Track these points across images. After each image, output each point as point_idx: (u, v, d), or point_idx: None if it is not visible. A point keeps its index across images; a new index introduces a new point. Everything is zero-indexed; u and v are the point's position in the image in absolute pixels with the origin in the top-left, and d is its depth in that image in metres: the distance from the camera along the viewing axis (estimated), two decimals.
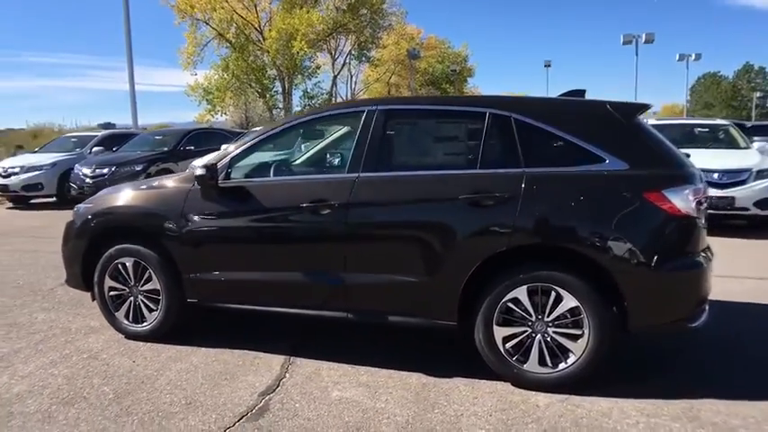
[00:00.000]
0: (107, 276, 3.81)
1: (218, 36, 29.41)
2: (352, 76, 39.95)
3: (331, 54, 35.77)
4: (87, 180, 10.58)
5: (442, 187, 3.06)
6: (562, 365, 2.93)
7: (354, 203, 3.16)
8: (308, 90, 33.00)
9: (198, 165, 3.54)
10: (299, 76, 32.00)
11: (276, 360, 3.47)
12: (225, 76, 29.70)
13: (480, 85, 47.99)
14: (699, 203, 2.87)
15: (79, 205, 4.04)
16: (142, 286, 3.74)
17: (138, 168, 10.69)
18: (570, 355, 2.91)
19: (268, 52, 29.30)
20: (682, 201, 2.79)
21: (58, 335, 3.97)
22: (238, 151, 3.56)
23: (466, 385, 3.07)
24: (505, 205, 2.91)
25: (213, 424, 2.73)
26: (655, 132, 3.12)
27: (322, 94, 33.97)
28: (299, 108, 33.19)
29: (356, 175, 3.22)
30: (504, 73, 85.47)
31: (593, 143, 2.93)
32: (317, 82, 33.12)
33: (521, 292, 2.93)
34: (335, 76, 36.25)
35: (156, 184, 3.88)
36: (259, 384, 3.15)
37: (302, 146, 4.80)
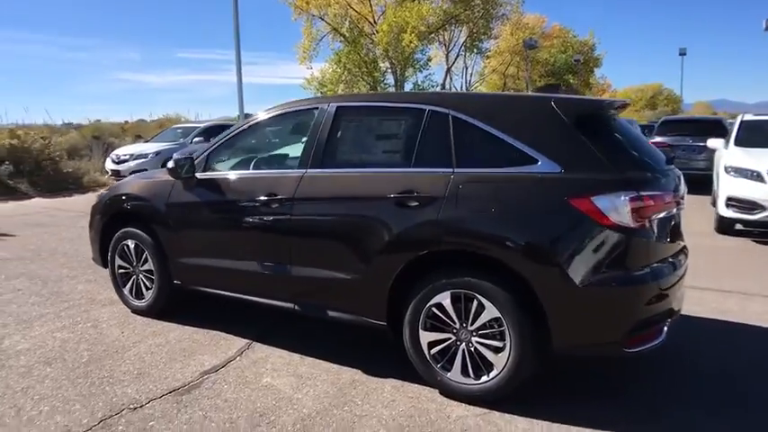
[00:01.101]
0: (117, 255, 4.27)
1: (333, 31, 30.58)
2: (467, 68, 39.42)
3: (446, 46, 35.56)
4: None
5: (374, 185, 3.01)
6: (484, 378, 2.77)
7: (299, 199, 3.24)
8: (419, 83, 33.20)
9: (174, 157, 3.83)
10: (411, 69, 32.32)
11: (239, 343, 3.67)
12: (337, 69, 30.85)
13: (609, 75, 44.83)
14: (642, 212, 2.52)
15: (102, 190, 4.54)
16: (141, 266, 4.14)
17: None
18: (493, 367, 2.74)
19: (379, 45, 29.91)
20: (613, 209, 2.48)
21: (83, 304, 4.53)
22: (215, 146, 3.80)
23: (394, 387, 3.03)
24: (429, 207, 2.80)
25: (145, 394, 2.99)
26: (615, 133, 2.81)
27: (433, 87, 33.99)
28: None
29: (304, 171, 3.29)
30: (636, 62, 78.53)
31: (528, 143, 2.70)
32: (429, 74, 33.17)
33: (444, 298, 2.81)
34: (449, 69, 36.03)
35: (156, 174, 4.25)
36: (208, 364, 3.37)
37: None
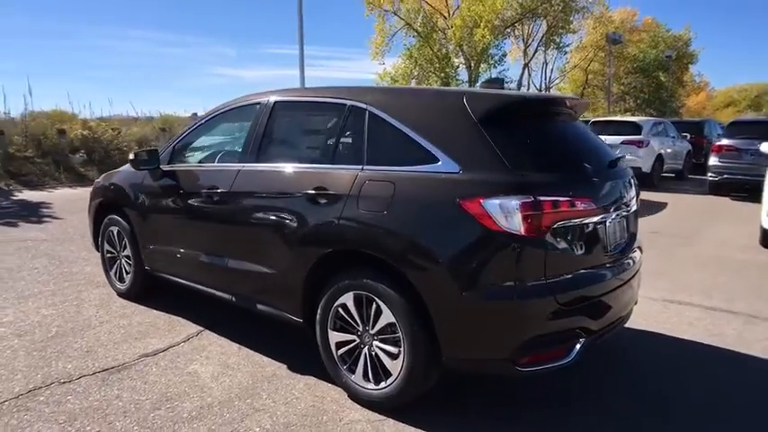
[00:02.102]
0: (105, 240, 4.56)
1: (406, 26, 30.57)
2: (546, 64, 37.97)
3: (524, 41, 34.47)
4: None
5: (294, 181, 3.01)
6: (383, 384, 2.69)
7: (233, 193, 3.30)
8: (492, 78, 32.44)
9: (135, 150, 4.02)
10: (485, 65, 31.69)
11: (191, 330, 3.81)
12: (408, 64, 30.86)
13: (706, 73, 41.38)
14: (539, 219, 2.30)
15: (98, 179, 4.86)
16: (123, 251, 4.40)
17: None
18: (390, 374, 2.66)
19: (452, 40, 29.58)
20: (503, 214, 2.29)
21: (80, 285, 4.87)
22: (179, 139, 3.95)
23: (307, 385, 3.02)
24: (335, 205, 2.76)
25: (80, 370, 3.18)
26: (530, 132, 2.62)
27: (508, 83, 33.08)
28: None
29: (241, 165, 3.35)
30: (739, 59, 71.56)
31: (433, 141, 2.57)
32: (503, 70, 32.34)
33: (348, 299, 2.76)
34: (526, 64, 34.90)
35: None
36: (152, 348, 3.52)
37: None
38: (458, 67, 31.68)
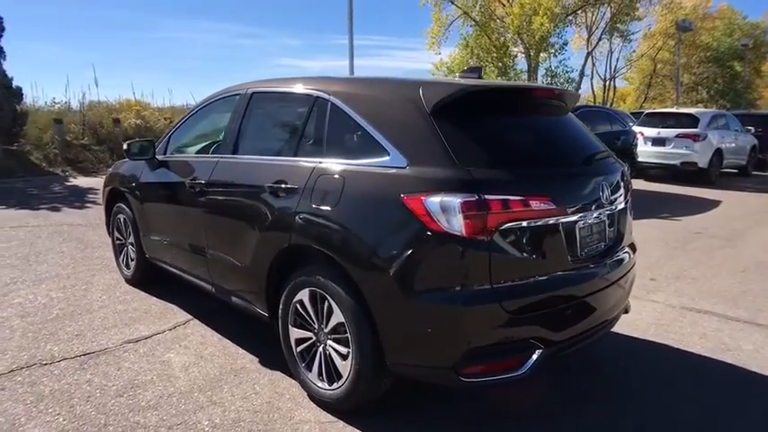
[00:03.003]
0: (114, 227, 4.71)
1: (464, 14, 29.97)
2: (611, 52, 36.25)
3: (588, 29, 33.03)
4: None
5: (260, 174, 2.95)
6: (335, 385, 2.60)
7: (211, 184, 3.30)
8: (552, 68, 31.34)
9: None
10: (544, 54, 30.64)
11: (180, 319, 3.87)
12: (464, 54, 30.30)
13: None
14: (484, 219, 2.11)
15: (111, 167, 5.02)
16: (128, 238, 4.52)
17: None
18: (341, 375, 2.57)
19: (510, 29, 28.76)
20: (442, 213, 2.13)
21: (95, 270, 5.07)
22: (174, 130, 4.00)
23: (271, 380, 2.98)
24: (292, 199, 2.68)
25: (64, 353, 3.28)
26: (490, 124, 2.44)
27: (568, 72, 31.88)
28: None
29: (220, 156, 3.34)
30: None
31: (385, 134, 2.43)
32: (563, 59, 31.17)
33: (304, 295, 2.68)
34: (590, 53, 33.44)
35: None
36: (137, 334, 3.60)
37: None
38: (515, 56, 30.80)
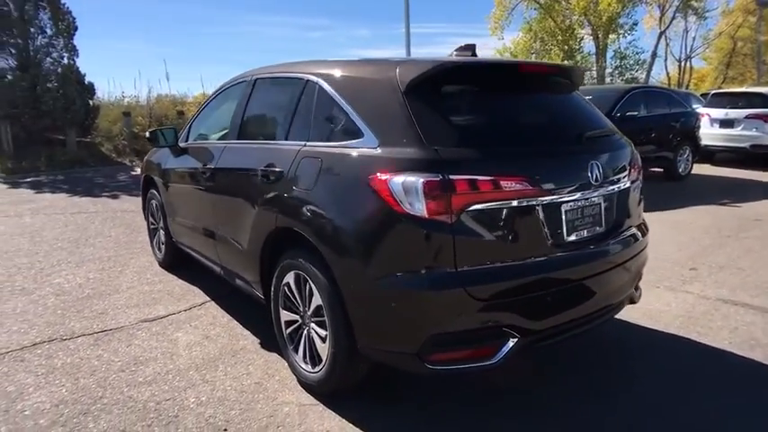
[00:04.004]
0: (149, 212, 4.95)
1: None
2: (687, 31, 33.87)
3: (660, 7, 31.04)
4: None
5: (255, 158, 2.98)
6: (317, 368, 2.61)
7: (217, 169, 3.38)
8: (621, 49, 29.77)
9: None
10: (613, 35, 29.15)
11: (198, 300, 4.01)
12: (528, 39, 29.36)
13: None
14: (448, 201, 2.02)
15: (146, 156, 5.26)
16: (160, 223, 4.74)
17: None
18: (321, 358, 2.57)
19: (576, 10, 27.56)
20: (405, 194, 2.05)
21: (135, 253, 5.33)
22: (194, 117, 4.13)
23: (266, 362, 3.02)
24: (278, 182, 2.69)
25: (83, 330, 3.49)
26: (466, 101, 2.34)
27: (638, 53, 30.18)
28: (610, 70, 30.46)
29: (227, 142, 3.41)
30: None
31: (362, 115, 2.37)
32: (633, 40, 29.51)
33: (291, 278, 2.70)
34: (662, 33, 31.43)
35: None
36: (154, 314, 3.76)
37: None
38: (582, 38, 29.46)
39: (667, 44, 34.09)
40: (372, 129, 2.30)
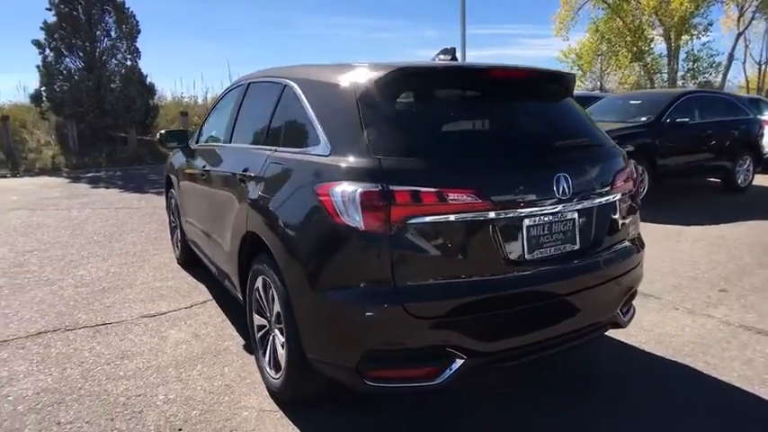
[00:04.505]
0: (169, 211, 5.13)
1: None
2: None
3: (739, 7, 29.07)
4: None
5: (236, 161, 3.02)
6: (279, 374, 2.59)
7: (210, 171, 3.45)
8: (694, 51, 28.13)
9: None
10: (686, 36, 27.60)
11: (201, 298, 4.11)
12: (594, 40, 28.31)
13: None
14: (387, 212, 1.94)
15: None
16: (178, 221, 4.90)
17: None
18: (281, 364, 2.55)
19: (645, 10, 26.31)
20: (343, 204, 2.00)
21: (160, 249, 5.54)
22: (204, 120, 4.23)
23: (245, 363, 3.04)
24: (250, 187, 2.70)
25: (88, 321, 3.65)
26: (422, 108, 2.26)
27: (713, 55, 28.41)
28: (682, 73, 28.88)
29: (221, 145, 3.48)
30: None
31: (320, 121, 2.35)
32: (708, 42, 27.83)
33: (260, 282, 2.70)
34: (740, 33, 29.43)
35: None
36: (156, 310, 3.88)
37: None
38: (652, 39, 28.06)
39: (746, 46, 31.95)
40: (327, 136, 2.26)
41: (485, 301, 2.09)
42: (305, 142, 2.42)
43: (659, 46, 28.65)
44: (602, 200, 2.41)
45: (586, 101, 9.83)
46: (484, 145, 2.26)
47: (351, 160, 2.07)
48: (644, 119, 7.68)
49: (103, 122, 13.44)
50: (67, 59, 13.23)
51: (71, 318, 3.74)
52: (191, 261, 4.77)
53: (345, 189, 2.00)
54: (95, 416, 2.55)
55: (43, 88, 13.20)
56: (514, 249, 2.14)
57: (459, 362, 2.05)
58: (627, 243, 2.60)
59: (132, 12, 14.06)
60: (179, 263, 4.96)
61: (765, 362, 3.05)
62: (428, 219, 1.98)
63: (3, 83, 44.25)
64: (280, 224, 2.35)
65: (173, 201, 4.94)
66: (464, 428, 2.44)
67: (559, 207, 2.21)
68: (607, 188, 2.43)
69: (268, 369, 2.70)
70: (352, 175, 2.03)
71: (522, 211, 2.12)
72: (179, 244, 4.89)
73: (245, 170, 2.81)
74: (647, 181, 7.34)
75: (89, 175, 12.00)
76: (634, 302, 2.82)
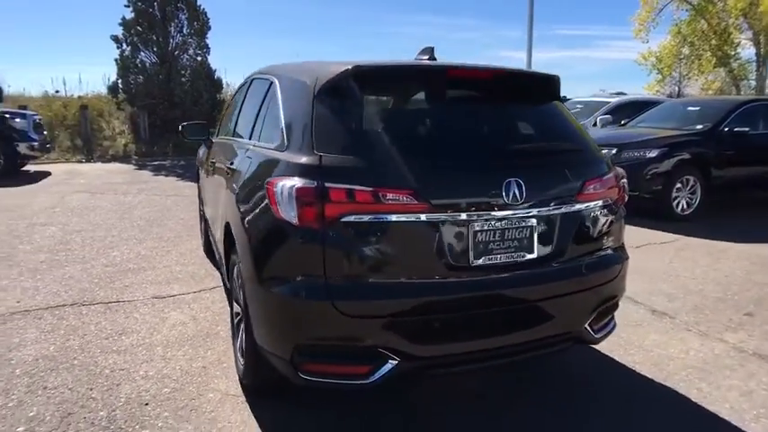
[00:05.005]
0: (199, 201, 5.40)
1: None
2: None
3: None
4: None
5: (229, 155, 3.15)
6: (243, 360, 2.68)
7: (216, 163, 3.62)
8: None
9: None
10: None
11: (212, 284, 4.30)
12: (675, 43, 26.76)
13: None
14: (322, 208, 1.98)
15: None
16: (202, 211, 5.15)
17: (652, 155, 6.77)
18: (245, 352, 2.64)
19: (732, 12, 24.54)
20: (282, 199, 2.06)
21: (194, 236, 5.82)
22: (224, 113, 4.43)
23: (228, 348, 3.16)
24: (231, 180, 2.82)
25: (105, 299, 3.92)
26: (376, 109, 2.28)
27: None
28: None
29: (225, 138, 3.64)
30: None
31: (285, 118, 2.42)
32: None
33: (235, 271, 2.80)
34: None
35: None
36: (167, 293, 4.11)
37: None
38: (739, 44, 26.15)
39: None
40: (285, 132, 2.33)
41: (423, 304, 2.07)
42: (272, 137, 2.50)
43: (747, 51, 26.65)
44: (569, 208, 2.31)
45: (643, 106, 9.36)
46: (429, 146, 2.24)
47: (295, 156, 2.14)
48: (700, 126, 7.21)
49: (172, 114, 14.23)
50: (142, 54, 14.14)
51: (91, 294, 4.03)
52: (209, 248, 5.01)
53: (285, 184, 2.06)
54: (78, 384, 2.75)
55: (119, 80, 14.18)
56: (459, 254, 2.10)
57: (391, 363, 2.05)
58: (601, 254, 2.48)
59: (204, 9, 14.81)
60: (204, 250, 5.21)
61: (766, 395, 2.81)
62: (363, 218, 2.00)
63: (91, 74, 47.78)
64: (240, 216, 2.45)
65: (199, 191, 5.20)
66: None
67: (510, 213, 2.15)
68: (575, 196, 2.33)
69: (239, 355, 2.80)
70: (294, 170, 2.09)
71: (466, 215, 2.08)
72: (203, 232, 5.13)
73: (231, 163, 2.93)
74: (698, 192, 6.90)
75: (155, 163, 12.78)
76: (641, 321, 2.69)
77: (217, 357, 3.08)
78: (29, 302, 3.84)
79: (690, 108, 8.01)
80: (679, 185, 6.82)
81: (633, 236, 6.12)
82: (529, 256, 2.23)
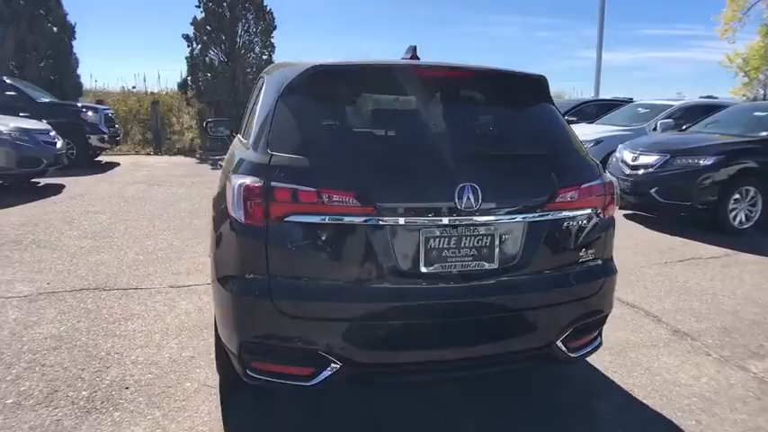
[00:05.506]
0: None
1: None
2: None
3: None
4: (626, 171, 6.81)
5: (230, 151, 3.23)
6: None
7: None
8: None
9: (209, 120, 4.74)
10: None
11: None
12: (763, 43, 24.69)
13: None
14: (266, 207, 1.98)
15: None
16: None
17: (707, 162, 6.27)
18: None
19: None
20: (231, 195, 2.10)
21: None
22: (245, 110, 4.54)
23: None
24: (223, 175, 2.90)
25: (126, 285, 4.15)
26: (332, 108, 2.31)
27: None
28: None
29: (236, 135, 3.73)
30: None
31: (258, 116, 2.46)
32: None
33: None
34: None
35: None
36: (184, 282, 4.28)
37: None
38: None
39: None
40: (256, 131, 2.36)
41: (367, 309, 2.04)
42: (248, 135, 2.55)
43: None
44: (540, 217, 2.19)
45: (710, 110, 8.69)
46: (381, 148, 2.19)
47: (250, 154, 2.17)
48: (765, 134, 6.61)
49: (236, 111, 14.76)
50: (211, 52, 14.77)
51: (114, 280, 4.28)
52: None
53: (236, 182, 2.09)
54: (73, 364, 2.92)
55: (189, 77, 14.90)
56: (408, 260, 2.04)
57: (333, 367, 2.03)
58: (578, 267, 2.32)
59: (270, 9, 15.26)
60: None
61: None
62: (307, 218, 1.99)
63: (171, 72, 50.75)
64: (212, 213, 2.52)
65: None
66: None
67: (465, 219, 2.06)
68: (546, 204, 2.20)
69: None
70: (245, 169, 2.12)
71: (414, 219, 2.02)
72: None
73: (223, 160, 3.01)
74: (759, 205, 6.34)
75: (216, 157, 13.31)
76: (657, 341, 2.52)
77: (207, 349, 3.16)
78: (57, 285, 4.12)
79: (757, 113, 7.35)
80: (737, 196, 6.28)
81: (678, 249, 5.72)
82: (489, 266, 2.13)
